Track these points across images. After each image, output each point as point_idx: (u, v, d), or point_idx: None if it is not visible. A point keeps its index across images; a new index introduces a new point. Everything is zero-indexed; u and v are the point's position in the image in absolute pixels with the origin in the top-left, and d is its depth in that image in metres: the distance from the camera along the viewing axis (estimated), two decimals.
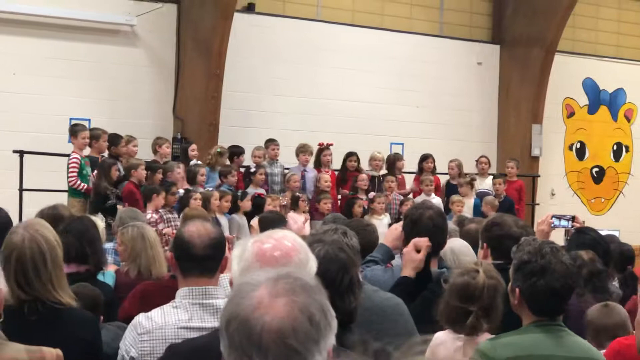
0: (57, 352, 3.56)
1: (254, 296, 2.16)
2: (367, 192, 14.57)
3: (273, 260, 2.99)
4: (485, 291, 4.35)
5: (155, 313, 4.06)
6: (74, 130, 12.52)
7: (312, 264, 3.10)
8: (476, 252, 6.22)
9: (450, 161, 15.89)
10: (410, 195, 15.31)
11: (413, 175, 15.90)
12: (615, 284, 6.44)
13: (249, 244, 3.10)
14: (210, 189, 12.99)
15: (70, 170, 12.11)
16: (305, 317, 2.13)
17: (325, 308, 2.19)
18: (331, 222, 5.96)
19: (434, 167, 15.78)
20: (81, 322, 4.39)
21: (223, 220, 12.45)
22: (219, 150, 14.00)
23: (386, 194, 14.60)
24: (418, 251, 5.20)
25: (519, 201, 16.09)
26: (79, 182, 12.05)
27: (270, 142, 14.67)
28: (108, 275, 6.54)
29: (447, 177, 16.04)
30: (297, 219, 12.95)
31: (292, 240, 3.13)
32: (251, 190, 13.56)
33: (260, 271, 2.29)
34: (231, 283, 3.23)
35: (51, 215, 6.16)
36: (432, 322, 4.45)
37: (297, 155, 14.67)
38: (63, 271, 4.41)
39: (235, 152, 14.38)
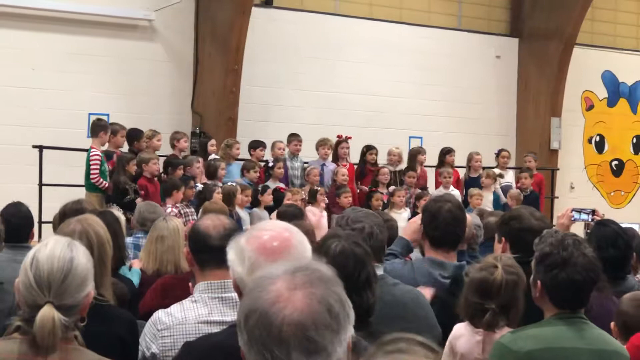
0: None
1: (272, 289, 2.16)
2: (387, 186, 14.56)
3: (275, 251, 3.07)
4: (503, 288, 4.30)
5: (175, 308, 4.03)
6: (101, 126, 12.34)
7: (307, 242, 3.18)
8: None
9: (477, 154, 15.81)
10: (433, 189, 15.23)
11: (431, 169, 15.84)
12: (638, 277, 6.36)
13: (243, 244, 3.15)
14: (233, 183, 12.87)
15: (93, 167, 11.96)
16: (324, 309, 2.13)
17: (343, 299, 2.20)
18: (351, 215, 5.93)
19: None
20: (119, 319, 4.30)
21: (244, 214, 12.45)
22: (225, 143, 13.98)
23: (406, 187, 14.59)
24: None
25: (538, 194, 16.04)
26: (101, 179, 11.94)
27: (293, 136, 14.65)
28: (134, 272, 6.55)
29: (463, 170, 15.96)
30: (315, 212, 12.93)
31: (281, 226, 3.24)
32: (271, 184, 13.55)
33: (276, 265, 2.29)
34: (235, 286, 3.22)
35: (75, 210, 6.12)
36: (453, 315, 4.42)
37: (317, 149, 14.69)
38: (108, 269, 4.37)
39: (252, 145, 14.32)
